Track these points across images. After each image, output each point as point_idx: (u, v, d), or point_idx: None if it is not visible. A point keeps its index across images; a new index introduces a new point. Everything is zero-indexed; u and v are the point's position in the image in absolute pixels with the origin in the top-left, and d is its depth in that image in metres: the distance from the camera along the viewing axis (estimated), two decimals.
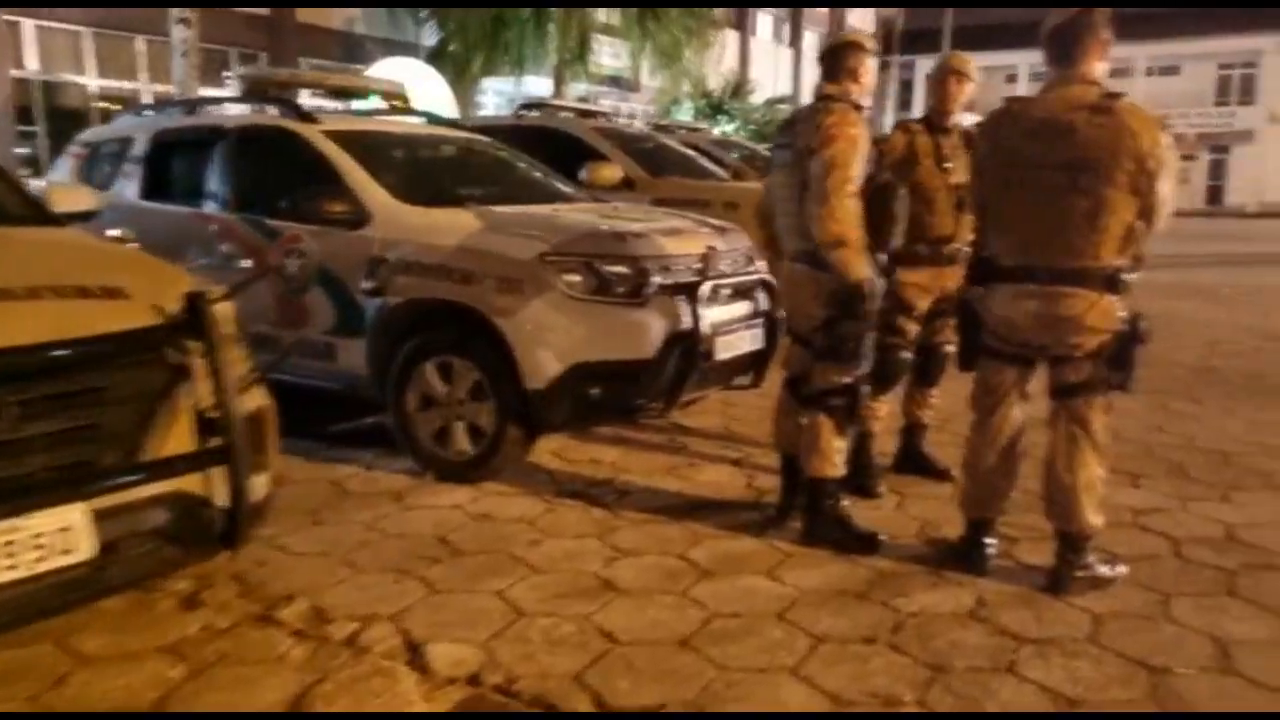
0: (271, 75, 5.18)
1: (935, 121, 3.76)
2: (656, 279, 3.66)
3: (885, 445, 4.05)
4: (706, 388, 4.21)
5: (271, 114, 4.47)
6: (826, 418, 3.20)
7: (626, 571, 3.01)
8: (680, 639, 2.58)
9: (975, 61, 3.84)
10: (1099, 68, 2.72)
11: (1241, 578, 3.01)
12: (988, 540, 3.05)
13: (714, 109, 18.00)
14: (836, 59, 3.18)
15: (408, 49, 13.73)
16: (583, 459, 4.20)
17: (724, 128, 16.43)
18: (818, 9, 27.93)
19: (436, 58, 13.43)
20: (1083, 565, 2.89)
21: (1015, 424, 2.94)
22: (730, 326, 3.95)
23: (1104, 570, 2.93)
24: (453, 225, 3.79)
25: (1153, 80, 37.70)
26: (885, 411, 3.88)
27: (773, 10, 27.35)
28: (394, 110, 5.12)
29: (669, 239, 3.89)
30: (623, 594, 2.85)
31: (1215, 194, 38.34)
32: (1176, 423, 4.94)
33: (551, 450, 4.27)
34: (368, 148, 4.21)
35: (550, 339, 3.52)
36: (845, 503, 3.54)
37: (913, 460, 4.05)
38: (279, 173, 4.26)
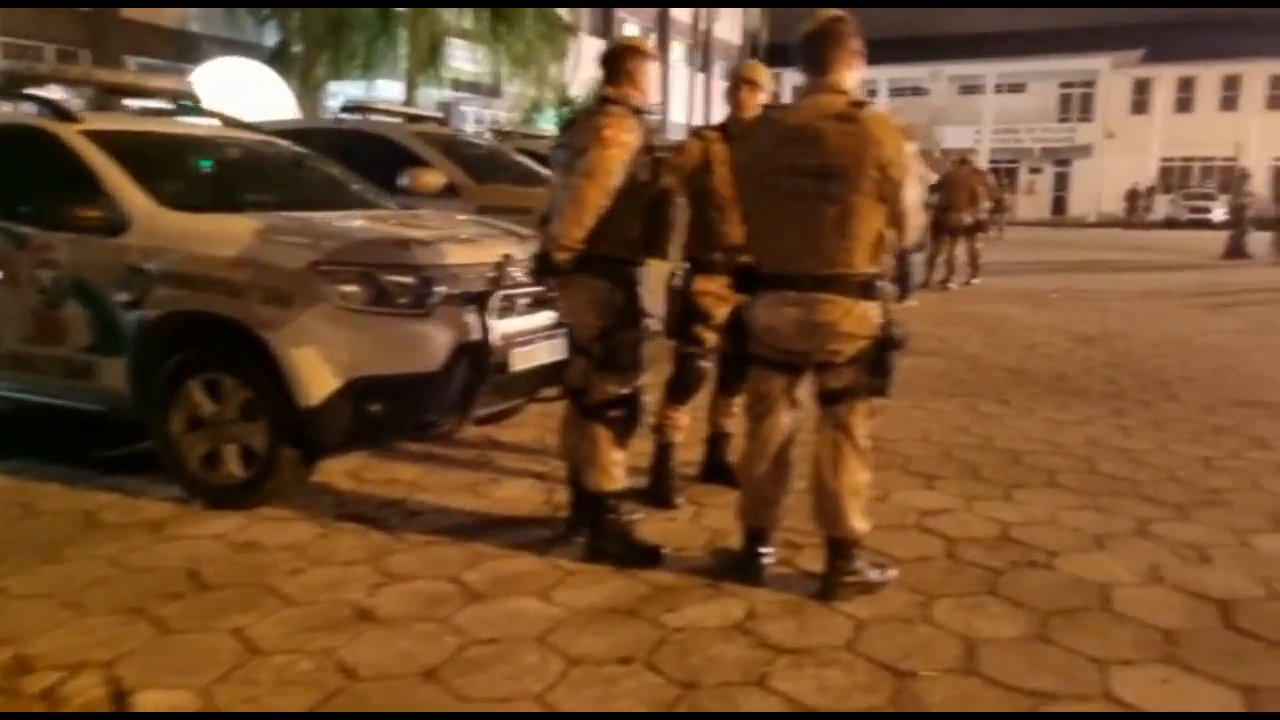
0: (29, 70, 4.78)
1: (731, 129, 3.75)
2: (442, 288, 3.51)
3: (692, 455, 4.03)
4: (508, 400, 4.09)
5: (26, 111, 4.11)
6: (604, 429, 3.13)
7: (389, 599, 2.84)
8: (427, 670, 2.43)
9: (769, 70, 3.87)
10: (850, 77, 2.74)
11: (1005, 576, 3.08)
12: (764, 550, 3.02)
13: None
14: (614, 62, 3.13)
15: (248, 49, 13.07)
16: (378, 478, 4.01)
17: None
18: (683, 20, 28.31)
19: (278, 59, 12.85)
20: (851, 570, 2.90)
21: (784, 431, 2.93)
22: (529, 336, 3.83)
23: (874, 575, 2.94)
24: (221, 233, 3.54)
25: (1001, 96, 40.06)
26: (686, 422, 3.84)
27: (639, 20, 27.57)
28: (182, 110, 4.79)
29: (459, 247, 3.75)
30: (378, 624, 2.68)
31: (1059, 204, 40.94)
32: (981, 424, 5.11)
33: (346, 470, 4.06)
34: (134, 149, 3.90)
35: (323, 353, 3.32)
36: (638, 515, 3.49)
37: (717, 470, 4.03)
38: (31, 175, 3.91)
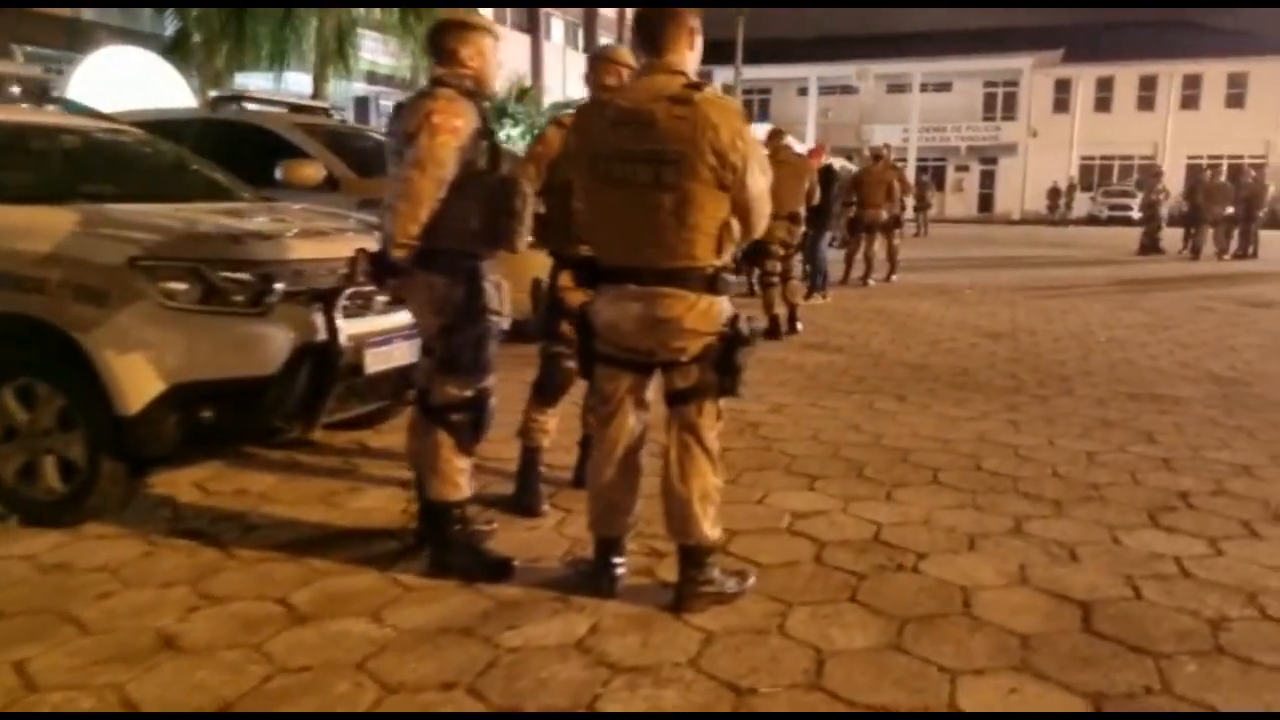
0: None
1: None
2: (281, 285, 3.27)
3: (567, 459, 3.86)
4: (367, 404, 3.85)
5: None
6: (446, 435, 2.92)
7: (201, 624, 2.60)
8: (223, 705, 2.21)
9: (627, 55, 3.67)
10: (689, 58, 2.58)
11: (868, 581, 2.96)
12: (616, 560, 2.85)
13: (499, 112, 17.61)
14: (435, 40, 2.91)
15: (145, 39, 12.47)
16: (227, 489, 3.74)
17: (508, 130, 16.07)
18: (610, 15, 28.09)
19: (176, 49, 12.29)
20: (706, 580, 2.74)
21: (632, 434, 2.75)
22: (387, 336, 3.61)
23: (731, 585, 2.79)
24: (34, 225, 3.24)
25: (928, 95, 40.69)
26: (553, 425, 3.65)
27: (565, 15, 27.28)
28: (24, 98, 4.44)
29: (305, 242, 3.51)
30: (181, 653, 2.44)
31: (986, 202, 41.77)
32: (873, 421, 5.02)
33: (195, 480, 3.79)
34: None
35: (144, 356, 3.05)
36: (493, 525, 3.31)
37: None
38: None
